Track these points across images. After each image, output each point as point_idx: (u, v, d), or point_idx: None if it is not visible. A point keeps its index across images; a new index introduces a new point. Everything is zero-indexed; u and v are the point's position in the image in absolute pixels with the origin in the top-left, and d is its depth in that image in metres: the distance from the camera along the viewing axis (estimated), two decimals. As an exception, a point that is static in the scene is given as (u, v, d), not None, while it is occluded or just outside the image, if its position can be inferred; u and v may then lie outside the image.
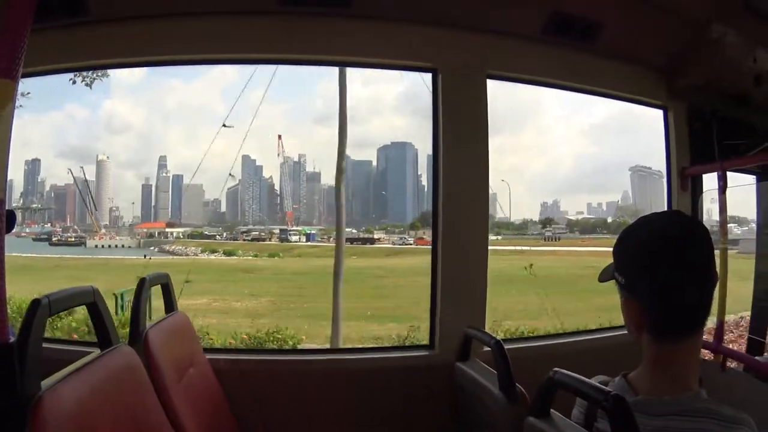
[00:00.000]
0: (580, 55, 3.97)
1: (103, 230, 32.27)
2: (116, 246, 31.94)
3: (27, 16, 1.88)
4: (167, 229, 34.89)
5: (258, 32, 3.64)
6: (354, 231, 32.67)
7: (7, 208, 1.82)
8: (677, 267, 1.69)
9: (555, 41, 3.85)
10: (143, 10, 3.50)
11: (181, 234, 34.49)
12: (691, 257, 1.71)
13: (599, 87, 4.26)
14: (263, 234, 34.30)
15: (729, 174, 3.90)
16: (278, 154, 36.00)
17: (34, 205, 31.19)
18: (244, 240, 34.02)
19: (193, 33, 3.58)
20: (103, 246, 31.47)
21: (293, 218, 35.70)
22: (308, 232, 33.35)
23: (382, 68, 4.10)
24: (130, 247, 32.04)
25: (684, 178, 4.29)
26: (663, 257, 1.71)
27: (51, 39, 3.37)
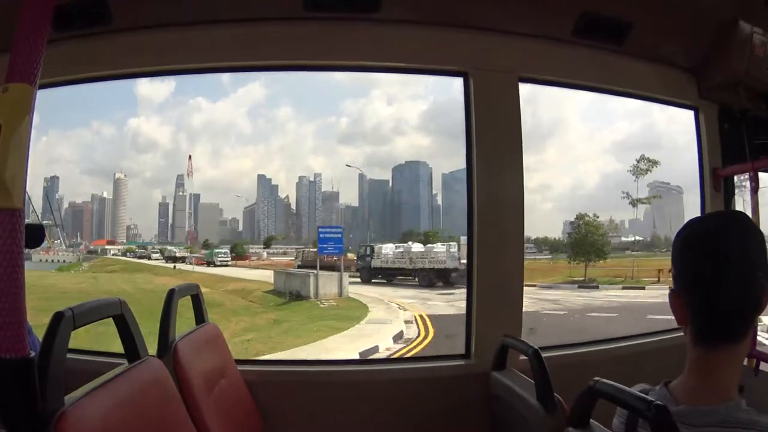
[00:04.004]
0: (609, 56, 3.92)
1: (63, 246, 34.95)
2: (54, 261, 34.82)
3: (45, 18, 1.84)
4: (107, 246, 37.56)
5: (284, 39, 3.60)
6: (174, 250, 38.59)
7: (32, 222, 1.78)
8: (713, 267, 1.64)
9: (585, 43, 3.80)
10: (167, 18, 3.49)
11: (118, 251, 37.19)
12: (731, 258, 1.64)
13: (629, 88, 4.19)
14: (144, 253, 39.32)
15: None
16: (188, 174, 37.51)
17: (45, 222, 32.58)
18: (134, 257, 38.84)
19: (218, 41, 3.57)
20: (45, 260, 34.13)
21: (193, 236, 37.45)
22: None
23: (412, 73, 4.06)
24: (71, 262, 34.22)
25: (716, 179, 4.22)
26: (698, 255, 1.69)
27: (73, 49, 3.39)
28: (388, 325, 20.09)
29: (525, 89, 3.85)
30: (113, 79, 3.80)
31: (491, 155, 3.73)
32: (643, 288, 29.28)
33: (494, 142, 3.73)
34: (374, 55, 3.74)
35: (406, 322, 21.04)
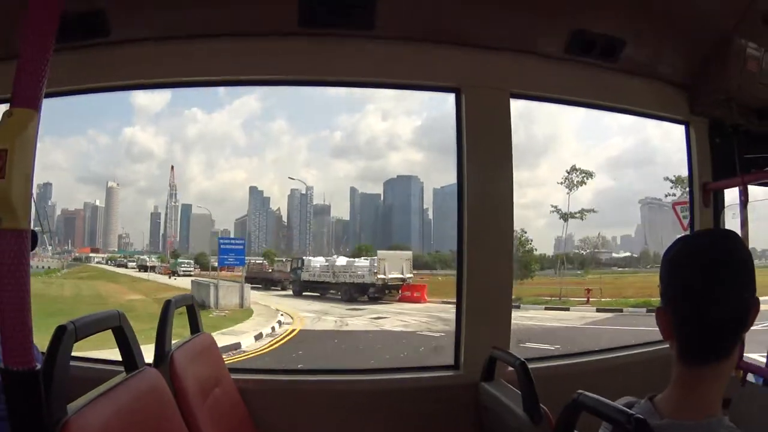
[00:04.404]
0: (602, 73, 3.96)
1: (50, 253, 35.39)
2: (39, 267, 34.78)
3: (48, 45, 1.89)
4: (90, 254, 38.01)
5: (280, 54, 3.63)
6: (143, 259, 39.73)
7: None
8: (704, 282, 1.64)
9: (577, 60, 3.84)
10: (165, 32, 3.53)
11: (102, 259, 37.71)
12: (721, 273, 1.65)
13: (621, 103, 4.25)
14: (122, 261, 40.26)
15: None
16: (169, 184, 37.89)
17: (36, 228, 32.80)
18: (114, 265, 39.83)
19: (215, 54, 3.60)
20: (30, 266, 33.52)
21: (172, 246, 37.89)
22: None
23: (405, 89, 4.11)
24: (53, 268, 34.68)
25: (706, 194, 4.26)
26: (688, 270, 1.68)
27: (71, 60, 3.38)
28: (239, 336, 19.74)
29: (521, 105, 3.91)
30: (110, 90, 3.83)
31: (482, 170, 3.77)
32: (568, 309, 27.45)
33: (485, 157, 3.77)
34: (368, 71, 3.78)
35: (266, 335, 20.92)
